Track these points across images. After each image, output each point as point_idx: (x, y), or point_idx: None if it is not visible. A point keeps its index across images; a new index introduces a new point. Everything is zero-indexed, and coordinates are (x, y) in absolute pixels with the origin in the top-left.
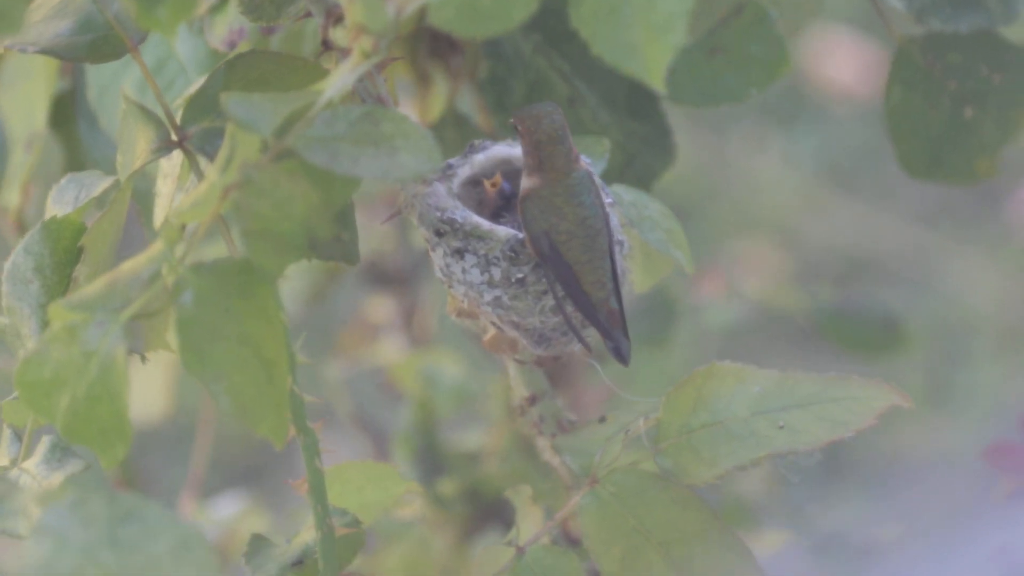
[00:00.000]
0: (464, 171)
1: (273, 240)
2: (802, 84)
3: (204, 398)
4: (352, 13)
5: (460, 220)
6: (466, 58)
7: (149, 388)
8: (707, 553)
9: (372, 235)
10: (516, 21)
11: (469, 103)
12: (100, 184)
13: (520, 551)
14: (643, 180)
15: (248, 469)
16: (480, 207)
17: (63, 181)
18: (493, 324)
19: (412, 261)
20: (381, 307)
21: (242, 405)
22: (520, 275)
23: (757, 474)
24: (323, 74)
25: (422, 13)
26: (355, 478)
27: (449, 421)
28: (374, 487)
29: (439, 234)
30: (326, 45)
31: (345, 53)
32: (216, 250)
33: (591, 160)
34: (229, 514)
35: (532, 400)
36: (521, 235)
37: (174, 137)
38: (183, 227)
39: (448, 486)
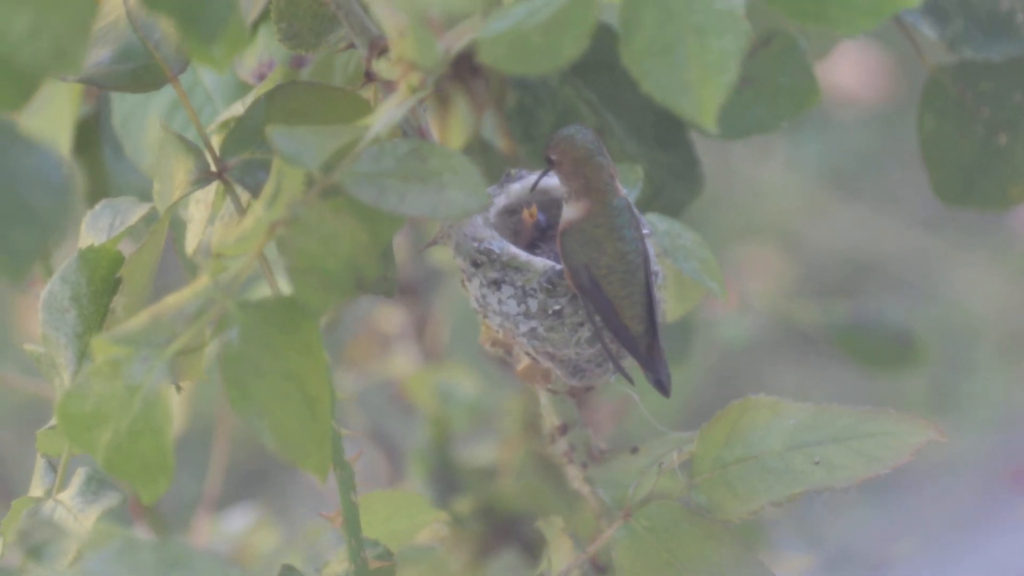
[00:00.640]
0: (501, 200)
1: (319, 278)
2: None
3: (220, 410)
4: (403, 49)
5: (497, 251)
6: (491, 85)
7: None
8: None
9: None
10: (567, 58)
11: (491, 129)
12: (135, 211)
13: None
14: (671, 210)
15: (254, 473)
16: (516, 237)
17: (98, 207)
18: (527, 355)
19: (424, 272)
20: (393, 318)
21: (286, 441)
22: (557, 307)
23: None
24: (363, 105)
25: None
26: (382, 508)
27: (461, 435)
28: (401, 516)
29: (476, 264)
30: (369, 76)
31: (387, 84)
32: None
33: (626, 188)
34: (241, 527)
35: (563, 429)
36: (559, 267)
37: (214, 168)
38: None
39: (464, 504)
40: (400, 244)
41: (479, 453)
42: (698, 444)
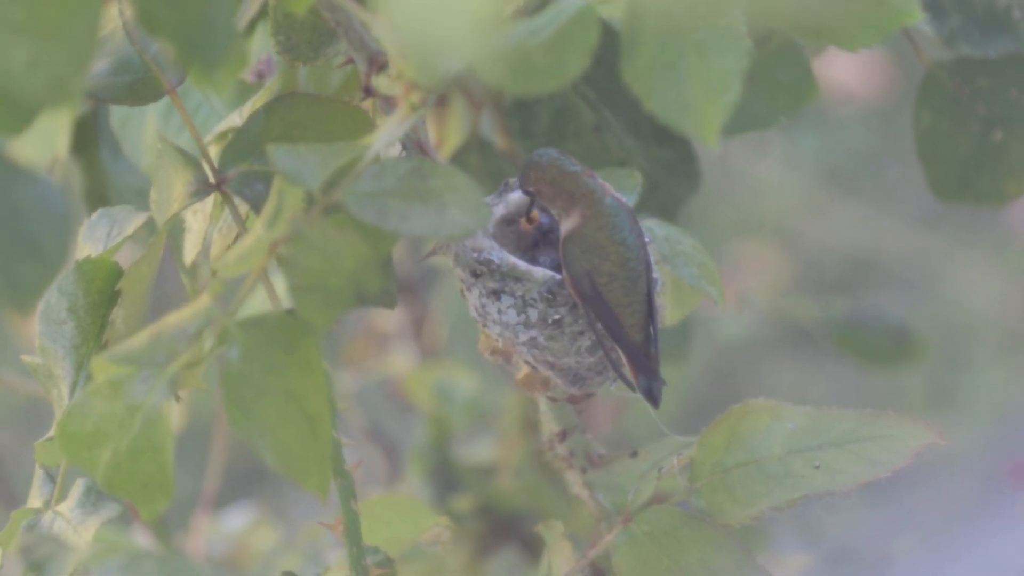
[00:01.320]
0: (499, 210)
1: (322, 294)
2: None
3: (218, 410)
4: (404, 69)
5: (497, 261)
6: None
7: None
8: None
9: None
10: (570, 77)
11: (488, 125)
12: (132, 221)
13: None
14: (667, 207)
15: (253, 473)
16: (518, 241)
17: (95, 216)
18: (527, 363)
19: (422, 270)
20: (391, 317)
21: (287, 460)
22: (557, 316)
23: None
24: (362, 117)
25: None
26: (384, 513)
27: (459, 434)
28: (403, 521)
29: (475, 275)
30: (367, 92)
31: (386, 100)
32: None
33: (625, 196)
34: (239, 527)
35: (563, 436)
36: (558, 276)
37: (212, 180)
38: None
39: (463, 502)
40: (398, 244)
41: (478, 451)
42: (698, 448)
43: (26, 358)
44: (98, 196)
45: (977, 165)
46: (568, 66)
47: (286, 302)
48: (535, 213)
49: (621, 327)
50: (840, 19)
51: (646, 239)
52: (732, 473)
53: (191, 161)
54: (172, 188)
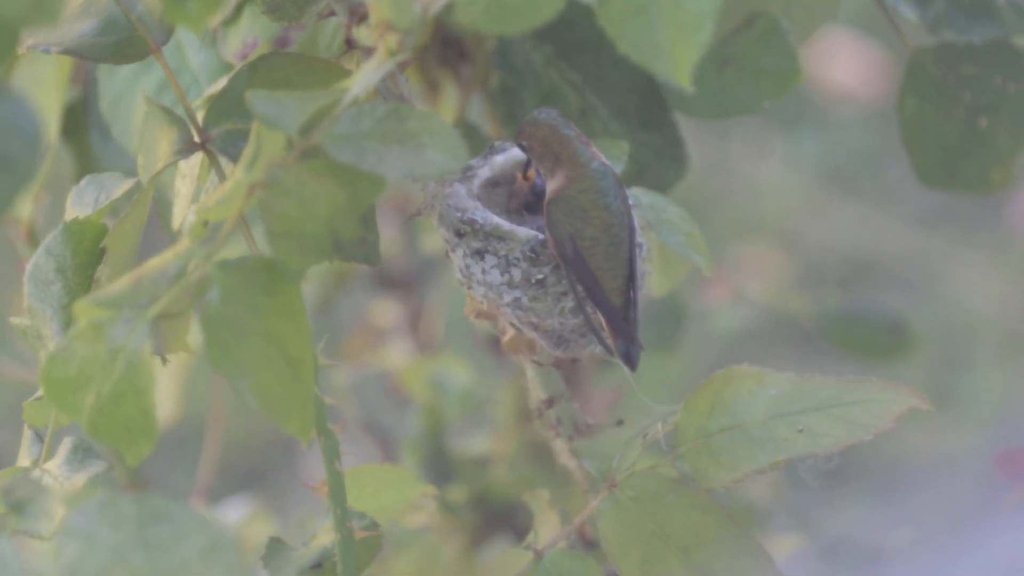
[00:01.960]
0: (484, 172)
1: (298, 241)
2: (804, 87)
3: (212, 403)
4: (379, 10)
5: (480, 221)
6: (476, 68)
7: (157, 392)
8: (726, 557)
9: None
10: (544, 17)
11: (478, 112)
12: (120, 186)
13: (538, 555)
14: (655, 190)
15: (250, 472)
16: (509, 202)
17: (83, 182)
18: (512, 325)
19: (418, 265)
20: (387, 311)
21: (269, 402)
22: (540, 276)
23: (765, 479)
24: (345, 75)
25: (434, 20)
26: (371, 482)
27: (455, 425)
28: (390, 491)
29: (459, 235)
30: (349, 44)
31: (368, 52)
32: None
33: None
34: (236, 519)
35: (549, 403)
36: (542, 236)
37: (196, 139)
38: (208, 225)
39: (457, 493)
40: (394, 238)
41: (472, 443)
42: (682, 414)
43: (15, 320)
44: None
45: (963, 152)
46: (541, 7)
47: (265, 249)
48: (531, 171)
49: (602, 291)
50: None
51: (631, 203)
52: (716, 438)
53: (176, 120)
54: (157, 148)
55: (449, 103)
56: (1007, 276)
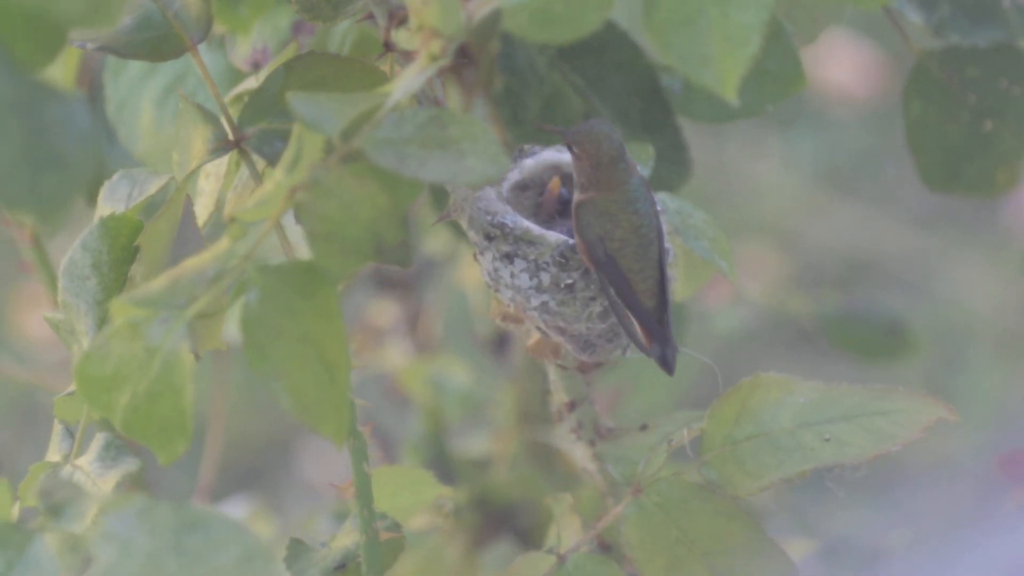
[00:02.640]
0: (514, 175)
1: (339, 243)
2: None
3: (212, 403)
4: (424, 15)
5: (511, 224)
6: (480, 71)
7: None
8: (751, 565)
9: None
10: (590, 27)
11: (482, 115)
12: (153, 182)
13: (561, 559)
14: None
15: (248, 472)
16: (537, 209)
17: (115, 178)
18: (538, 329)
19: (417, 266)
20: (386, 312)
21: (304, 404)
22: (569, 281)
23: None
24: (380, 77)
25: None
26: (389, 483)
27: (454, 426)
28: (407, 492)
29: (489, 238)
30: (387, 47)
31: (405, 55)
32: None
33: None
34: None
35: (571, 406)
36: (571, 241)
37: (231, 137)
38: (246, 226)
39: (459, 494)
40: None
41: (473, 444)
42: (708, 421)
43: (48, 315)
44: (94, 183)
45: (968, 155)
46: (587, 17)
47: (303, 252)
48: (557, 180)
49: (634, 293)
50: None
51: (659, 209)
52: (742, 445)
53: (211, 119)
54: (192, 146)
55: (452, 106)
56: (1005, 276)
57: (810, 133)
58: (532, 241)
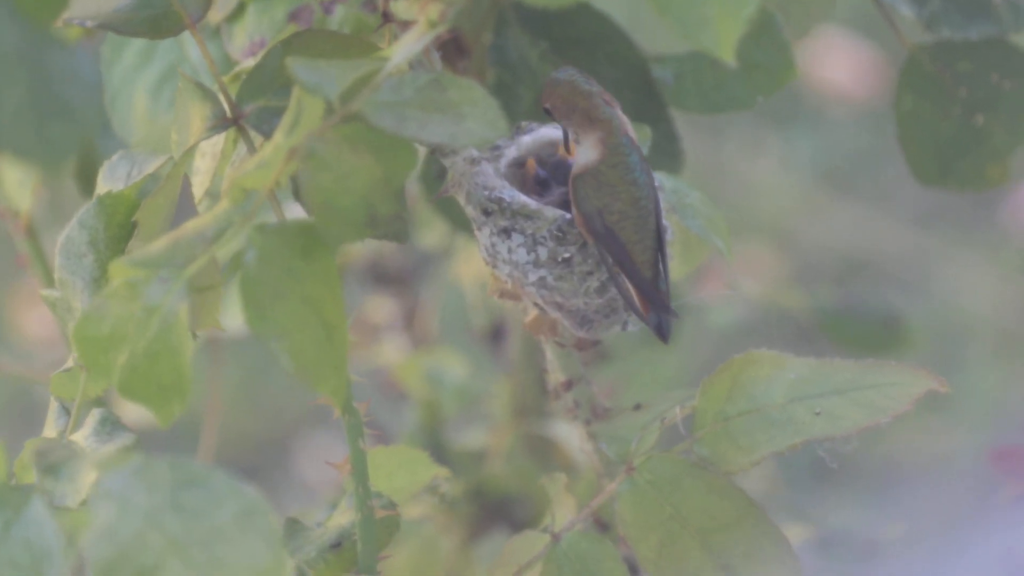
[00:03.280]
0: (511, 152)
1: (334, 213)
2: (799, 86)
3: (208, 399)
4: None
5: (508, 199)
6: (472, 64)
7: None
8: (744, 541)
9: None
10: None
11: None
12: (153, 161)
13: (556, 538)
14: None
15: (245, 470)
16: (523, 188)
17: (115, 158)
18: (536, 305)
19: (413, 261)
20: (382, 307)
21: (303, 364)
22: (567, 255)
23: (759, 473)
24: (378, 52)
25: None
26: (386, 463)
27: (450, 420)
28: (404, 472)
29: (486, 213)
30: (386, 17)
31: (403, 27)
32: None
33: None
34: None
35: (568, 385)
36: (568, 215)
37: (230, 115)
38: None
39: (455, 487)
40: None
41: (469, 437)
42: (700, 398)
43: (44, 292)
44: (89, 173)
45: (959, 149)
46: None
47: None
48: (531, 161)
49: (633, 263)
50: None
51: (656, 184)
52: (734, 421)
53: (209, 96)
54: (190, 123)
55: None
56: (1003, 276)
57: (808, 133)
58: (530, 215)
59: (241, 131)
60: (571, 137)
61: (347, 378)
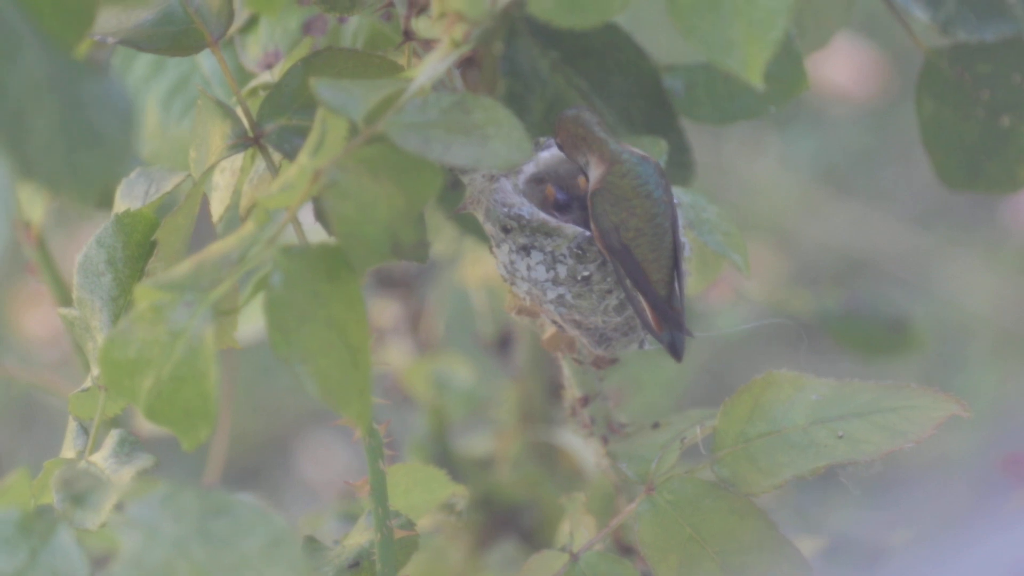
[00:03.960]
0: (529, 168)
1: (358, 242)
2: None
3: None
4: (449, 0)
5: (527, 216)
6: (483, 74)
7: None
8: (764, 563)
9: None
10: (616, 11)
11: None
12: (170, 179)
13: (574, 557)
14: None
15: (246, 470)
16: (543, 206)
17: (132, 175)
18: (554, 323)
19: (418, 265)
20: (387, 311)
21: (328, 388)
22: (586, 273)
23: None
24: (399, 70)
25: None
26: (402, 480)
27: (456, 426)
28: (421, 489)
29: (506, 230)
30: (407, 35)
31: (424, 45)
32: None
33: None
34: None
35: (585, 401)
36: (588, 233)
37: (250, 134)
38: (270, 212)
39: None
40: None
41: (476, 444)
42: (720, 419)
43: (62, 310)
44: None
45: (987, 152)
46: (613, 1)
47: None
48: (550, 187)
49: (648, 281)
50: None
51: (674, 200)
52: (755, 443)
53: (230, 115)
54: (210, 142)
55: None
56: (1001, 275)
57: (808, 132)
58: (549, 233)
59: (261, 150)
60: (581, 163)
61: (371, 401)
